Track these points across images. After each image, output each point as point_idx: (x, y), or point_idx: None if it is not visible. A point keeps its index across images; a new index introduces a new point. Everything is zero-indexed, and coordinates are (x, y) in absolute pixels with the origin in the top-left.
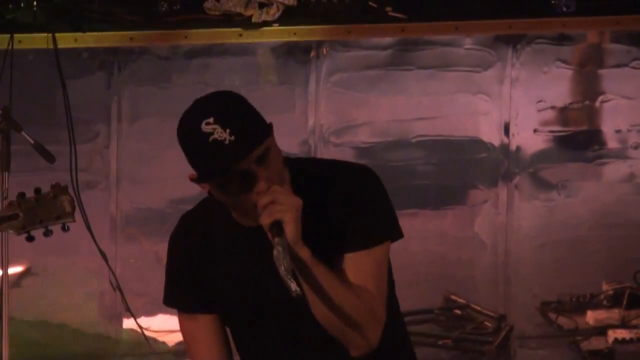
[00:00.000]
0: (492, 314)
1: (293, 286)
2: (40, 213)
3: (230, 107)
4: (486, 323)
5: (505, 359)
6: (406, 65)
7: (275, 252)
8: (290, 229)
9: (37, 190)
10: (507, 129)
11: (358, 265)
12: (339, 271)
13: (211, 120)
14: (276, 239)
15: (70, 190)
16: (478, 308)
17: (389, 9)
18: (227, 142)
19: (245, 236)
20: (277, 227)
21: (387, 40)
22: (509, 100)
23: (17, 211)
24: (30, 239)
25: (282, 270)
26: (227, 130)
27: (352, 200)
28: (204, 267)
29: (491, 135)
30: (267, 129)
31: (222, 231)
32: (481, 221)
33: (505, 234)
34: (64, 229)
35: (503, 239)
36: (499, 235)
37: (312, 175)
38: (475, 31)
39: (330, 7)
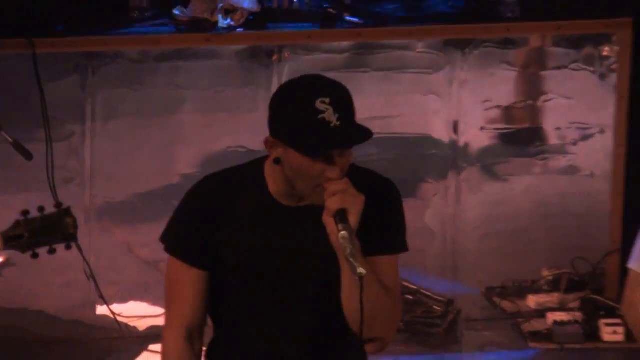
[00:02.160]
0: (440, 298)
1: (359, 267)
2: (45, 234)
3: (345, 97)
4: (435, 307)
5: (453, 340)
6: (362, 68)
7: (340, 236)
8: (355, 220)
9: (41, 209)
10: (455, 127)
11: (388, 267)
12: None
13: (327, 100)
14: (340, 225)
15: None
16: (428, 293)
17: (346, 14)
18: (332, 125)
19: (280, 212)
20: (342, 214)
21: (345, 44)
22: (457, 100)
23: (23, 232)
24: (34, 256)
25: (348, 252)
26: (336, 115)
27: (388, 210)
28: (219, 228)
29: (441, 132)
30: (367, 134)
31: (250, 201)
32: (431, 213)
33: (454, 224)
34: (68, 247)
35: (451, 229)
36: (447, 225)
37: (354, 179)
38: (427, 36)
39: (292, 13)
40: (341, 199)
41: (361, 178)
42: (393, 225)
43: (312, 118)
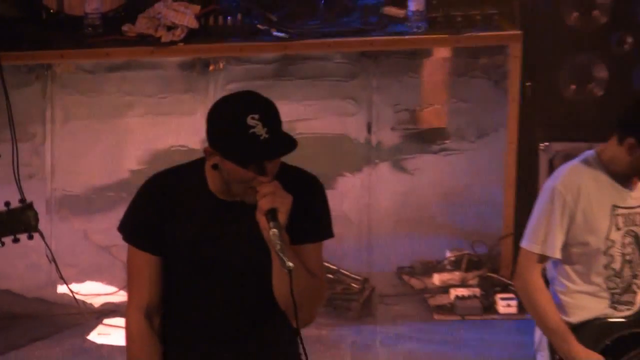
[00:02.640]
0: (357, 277)
1: (288, 262)
2: (10, 225)
3: (273, 112)
4: (353, 285)
5: (368, 313)
6: (288, 76)
7: (271, 233)
8: (283, 218)
9: (7, 204)
10: (369, 128)
11: (314, 253)
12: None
13: (257, 116)
14: (271, 223)
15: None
16: (346, 273)
17: (273, 30)
18: (262, 138)
19: (217, 206)
20: (273, 213)
21: (272, 55)
22: (371, 104)
23: None
24: (1, 244)
25: (278, 248)
26: (265, 129)
27: (313, 202)
28: (167, 218)
29: (357, 132)
30: (293, 144)
31: (193, 196)
32: (349, 202)
33: (368, 212)
34: (30, 237)
35: (366, 216)
36: (363, 213)
37: (284, 176)
38: (344, 48)
39: (226, 29)
40: (271, 199)
41: (289, 175)
42: (318, 216)
43: (244, 133)
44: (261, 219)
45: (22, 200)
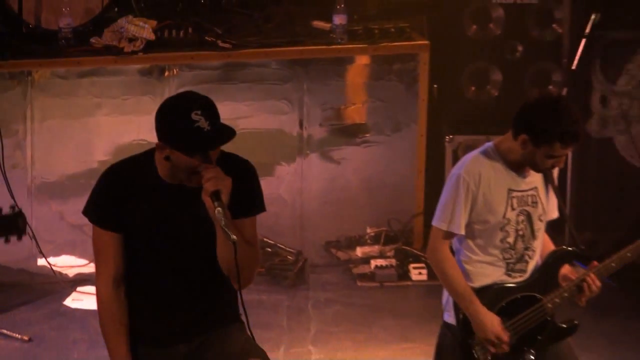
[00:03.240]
0: (292, 250)
1: (232, 235)
2: (2, 229)
3: (212, 107)
4: (288, 257)
5: (301, 281)
6: (231, 81)
7: (216, 211)
8: (226, 197)
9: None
10: (301, 124)
11: (250, 226)
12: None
13: (199, 112)
14: (216, 202)
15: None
16: (282, 246)
17: (219, 41)
18: (205, 130)
19: (166, 189)
20: (217, 194)
21: (218, 63)
22: (302, 104)
23: None
24: None
25: (222, 223)
26: (207, 122)
27: (248, 183)
28: (125, 200)
29: (291, 128)
30: (232, 134)
31: (145, 182)
32: (284, 187)
33: (301, 195)
34: (19, 239)
35: (299, 198)
36: (296, 196)
37: (223, 161)
38: (279, 56)
39: (179, 40)
40: (215, 182)
41: (228, 161)
42: (253, 195)
43: (190, 127)
44: (207, 200)
45: (13, 206)
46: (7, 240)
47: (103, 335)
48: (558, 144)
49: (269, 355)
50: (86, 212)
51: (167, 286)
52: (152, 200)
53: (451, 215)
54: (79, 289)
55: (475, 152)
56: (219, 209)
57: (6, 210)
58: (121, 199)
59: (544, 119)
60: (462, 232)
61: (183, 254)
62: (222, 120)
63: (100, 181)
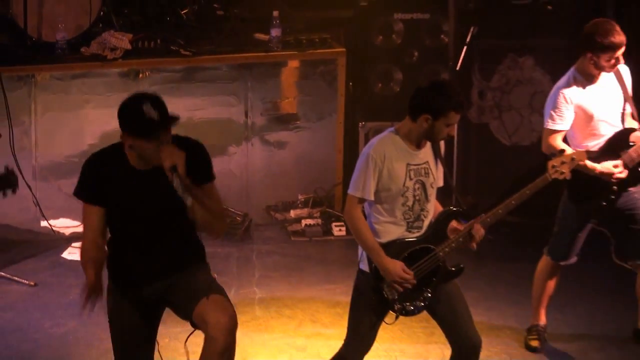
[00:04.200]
0: (240, 213)
1: (189, 200)
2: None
3: (159, 100)
4: (237, 218)
5: (248, 237)
6: (191, 81)
7: (175, 183)
8: (182, 169)
9: None
10: (246, 114)
11: (210, 190)
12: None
13: (149, 104)
14: (174, 174)
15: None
16: (232, 210)
17: (181, 50)
18: (156, 118)
19: (136, 174)
20: (174, 168)
21: (181, 67)
22: (247, 99)
23: None
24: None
25: (180, 192)
26: (156, 112)
27: (200, 157)
28: (105, 181)
29: (238, 117)
30: (176, 118)
31: (119, 168)
32: (234, 163)
33: (247, 170)
34: (13, 192)
35: (245, 172)
36: (243, 170)
37: (178, 143)
38: (229, 61)
39: (150, 49)
40: (170, 159)
41: (182, 142)
42: (205, 166)
43: (143, 118)
44: (168, 174)
45: (6, 167)
46: (4, 194)
47: (83, 268)
48: (452, 112)
49: None
50: (76, 194)
51: (144, 243)
52: (127, 185)
53: (363, 185)
54: (73, 244)
55: (381, 135)
56: (177, 179)
57: (1, 170)
58: (101, 183)
59: (438, 97)
60: (372, 198)
61: (155, 221)
62: (184, 112)
63: (84, 168)
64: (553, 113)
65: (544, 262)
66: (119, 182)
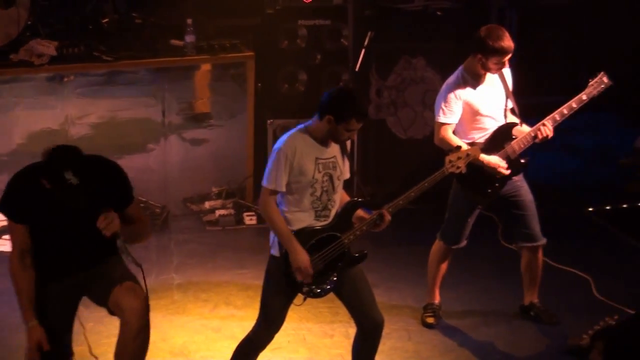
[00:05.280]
0: (158, 205)
1: (137, 263)
2: None
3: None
4: (156, 210)
5: (166, 227)
6: (113, 84)
7: (120, 245)
8: (119, 231)
9: None
10: (164, 113)
11: (133, 210)
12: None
13: (70, 173)
14: (118, 240)
15: None
16: (152, 202)
17: (104, 55)
18: (74, 185)
19: (49, 193)
20: (116, 234)
21: (103, 71)
22: (164, 99)
23: None
24: None
25: (125, 253)
26: (77, 179)
27: (118, 181)
28: (27, 199)
29: (156, 116)
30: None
31: (38, 188)
32: (152, 159)
33: (165, 165)
34: None
35: (163, 167)
36: (161, 165)
37: (88, 166)
38: (147, 65)
39: (74, 54)
40: (109, 228)
41: (93, 163)
42: (124, 189)
43: (63, 186)
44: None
45: None
46: None
47: (18, 300)
48: (354, 120)
49: (145, 281)
50: (1, 208)
51: (63, 244)
52: (46, 200)
53: (275, 177)
54: (3, 237)
55: (291, 132)
56: (121, 244)
57: None
58: (25, 201)
59: (344, 103)
60: (284, 189)
61: (74, 230)
62: (106, 112)
63: (10, 186)
64: (444, 108)
65: (437, 245)
66: (38, 198)
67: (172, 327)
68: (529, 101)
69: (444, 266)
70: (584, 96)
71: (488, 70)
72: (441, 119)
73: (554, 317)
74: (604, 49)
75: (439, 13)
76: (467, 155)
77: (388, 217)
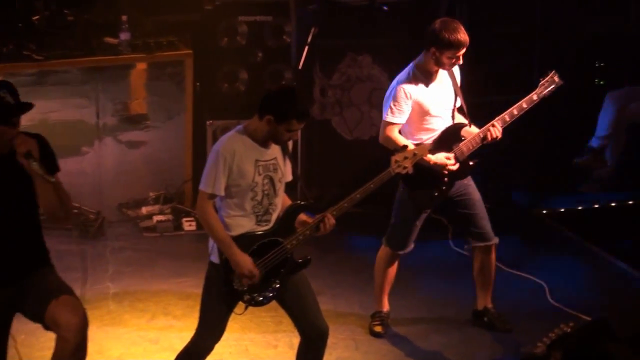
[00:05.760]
0: (93, 211)
1: (51, 178)
2: None
3: (13, 88)
4: (90, 216)
5: (101, 233)
6: (44, 84)
7: (33, 166)
8: (36, 154)
9: None
10: (98, 115)
11: (58, 179)
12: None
13: (5, 91)
14: (30, 159)
15: None
16: (86, 208)
17: (34, 54)
18: (12, 103)
19: None
20: (29, 153)
21: (33, 70)
22: (98, 100)
23: None
24: None
25: (41, 172)
26: (12, 98)
27: (48, 151)
28: None
29: (90, 118)
30: (30, 105)
31: None
32: (86, 163)
33: (99, 168)
34: None
35: (98, 171)
36: (95, 169)
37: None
38: (79, 65)
39: (3, 53)
40: (25, 145)
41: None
42: (52, 158)
43: (1, 102)
44: (23, 161)
45: None
46: None
47: None
48: (294, 120)
49: (78, 291)
50: None
51: None
52: None
53: (213, 181)
54: None
55: (230, 133)
56: (34, 163)
57: None
58: None
59: (284, 103)
60: (222, 193)
61: (6, 211)
62: (37, 114)
63: None
64: (393, 107)
65: (383, 251)
66: None
67: (107, 338)
68: (478, 100)
69: (391, 272)
70: (534, 96)
71: (441, 65)
72: (389, 118)
73: (507, 323)
74: (558, 45)
75: (385, 8)
76: (414, 154)
77: (332, 221)
